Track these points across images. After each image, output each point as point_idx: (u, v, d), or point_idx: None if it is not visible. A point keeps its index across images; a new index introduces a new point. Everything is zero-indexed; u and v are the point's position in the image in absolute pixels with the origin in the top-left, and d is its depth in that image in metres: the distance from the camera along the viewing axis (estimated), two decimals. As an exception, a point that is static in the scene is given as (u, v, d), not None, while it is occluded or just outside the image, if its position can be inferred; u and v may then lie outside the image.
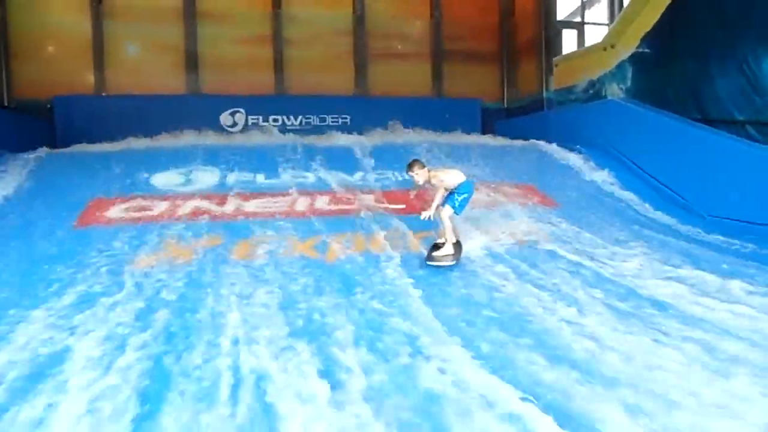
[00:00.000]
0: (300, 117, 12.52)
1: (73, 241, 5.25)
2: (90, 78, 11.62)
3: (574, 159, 8.96)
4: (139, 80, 11.87)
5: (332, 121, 12.69)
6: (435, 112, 12.95)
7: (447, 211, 5.10)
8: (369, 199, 6.89)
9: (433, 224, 5.28)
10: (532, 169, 8.51)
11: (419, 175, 5.04)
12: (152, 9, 11.96)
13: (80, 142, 9.77)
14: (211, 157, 7.93)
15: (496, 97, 14.13)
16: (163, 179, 7.02)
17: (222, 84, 12.38)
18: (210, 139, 9.80)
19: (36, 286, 4.21)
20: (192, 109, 11.73)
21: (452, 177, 5.20)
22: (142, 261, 4.77)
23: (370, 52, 13.42)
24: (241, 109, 12.17)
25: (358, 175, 7.79)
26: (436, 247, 5.12)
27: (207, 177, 7.22)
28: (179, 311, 3.80)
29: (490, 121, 13.61)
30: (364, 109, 12.71)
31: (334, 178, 7.54)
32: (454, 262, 4.87)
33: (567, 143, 9.61)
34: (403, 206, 6.70)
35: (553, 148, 9.55)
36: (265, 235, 5.53)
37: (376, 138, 10.04)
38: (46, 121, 10.66)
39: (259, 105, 12.31)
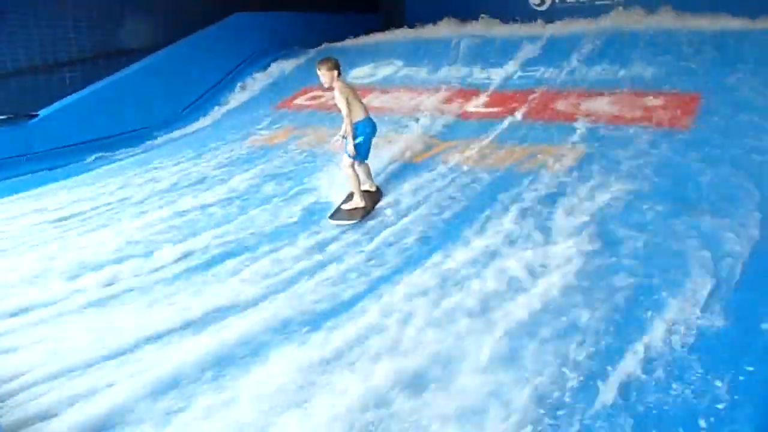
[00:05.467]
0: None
1: (260, 116, 8.14)
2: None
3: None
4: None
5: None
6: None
7: (345, 160, 4.65)
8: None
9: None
10: (728, 72, 6.11)
11: (324, 76, 4.50)
12: None
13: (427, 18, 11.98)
14: (413, 52, 9.09)
15: None
16: (357, 72, 8.88)
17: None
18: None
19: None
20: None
21: (353, 109, 4.56)
22: (255, 139, 7.26)
23: None
24: (547, -14, 11.87)
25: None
26: (349, 198, 4.75)
27: (385, 70, 8.68)
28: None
29: None
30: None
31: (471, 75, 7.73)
32: (358, 219, 4.51)
33: None
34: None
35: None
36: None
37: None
38: (379, 14, 13.51)
39: (567, -20, 11.66)
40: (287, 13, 11.06)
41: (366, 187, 4.91)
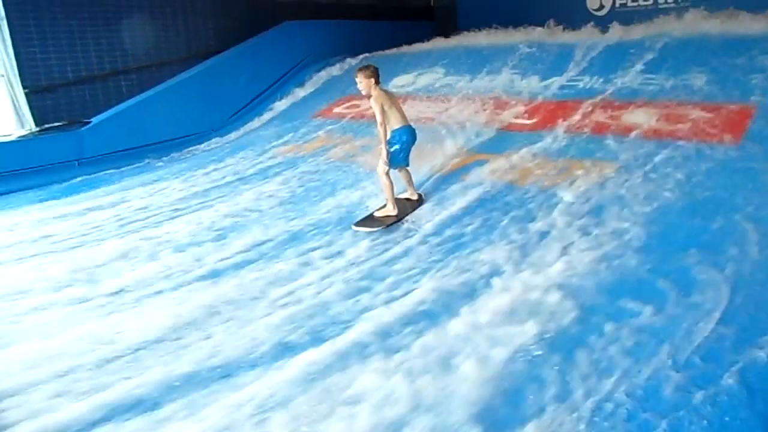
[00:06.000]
0: (679, -9, 10.47)
1: (297, 125, 8.21)
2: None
3: None
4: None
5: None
6: None
7: (380, 166, 4.63)
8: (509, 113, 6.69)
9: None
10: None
11: (361, 83, 4.56)
12: None
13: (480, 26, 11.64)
14: (457, 60, 8.84)
15: None
16: (398, 80, 8.76)
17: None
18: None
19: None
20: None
21: (390, 117, 4.57)
22: (281, 149, 7.31)
23: None
24: (609, -11, 11.28)
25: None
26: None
27: (426, 79, 8.49)
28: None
29: None
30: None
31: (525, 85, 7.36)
32: (380, 227, 4.49)
33: None
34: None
35: None
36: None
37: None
38: (430, 22, 13.32)
39: (628, -18, 11.04)
40: (337, 21, 11.12)
41: (407, 194, 4.96)
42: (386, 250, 4.21)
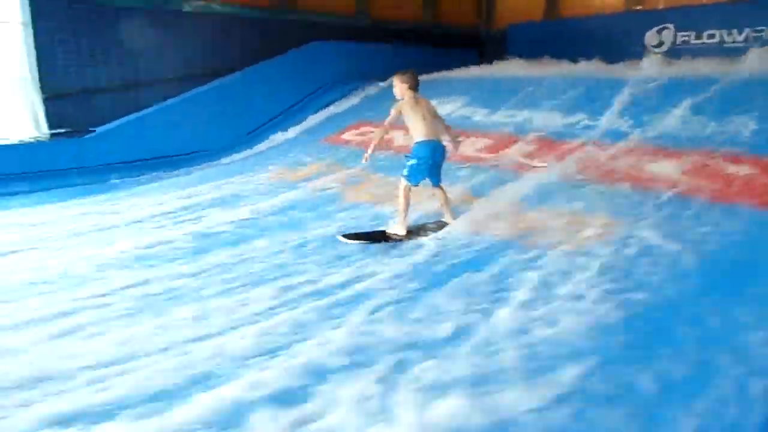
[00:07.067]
0: (746, 30, 9.28)
1: (307, 150, 7.72)
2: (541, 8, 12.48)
3: None
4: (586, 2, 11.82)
5: (798, 34, 8.76)
6: None
7: (401, 181, 4.25)
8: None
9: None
10: None
11: (396, 87, 4.30)
12: None
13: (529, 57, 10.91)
14: (479, 90, 8.11)
15: None
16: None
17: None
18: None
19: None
20: (620, 28, 10.89)
21: (412, 126, 4.18)
22: (272, 174, 6.79)
23: None
24: (670, 25, 10.19)
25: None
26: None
27: (441, 109, 7.76)
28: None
29: None
30: None
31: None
32: (362, 242, 4.17)
33: None
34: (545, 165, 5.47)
35: None
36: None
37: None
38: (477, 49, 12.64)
39: (691, 18, 9.89)
40: (369, 43, 10.65)
41: (443, 218, 4.52)
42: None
